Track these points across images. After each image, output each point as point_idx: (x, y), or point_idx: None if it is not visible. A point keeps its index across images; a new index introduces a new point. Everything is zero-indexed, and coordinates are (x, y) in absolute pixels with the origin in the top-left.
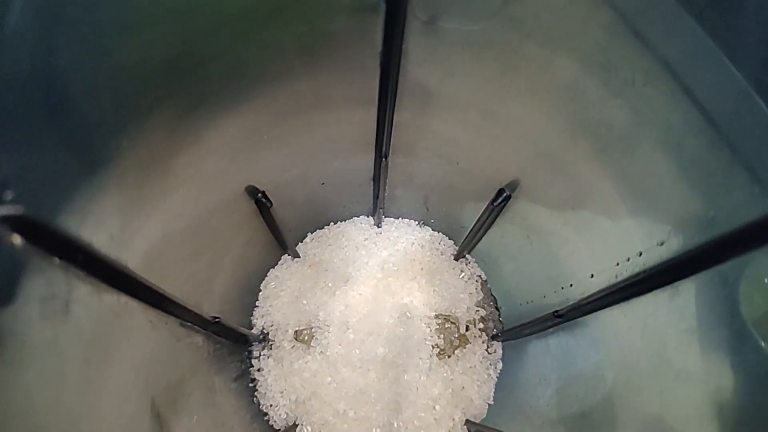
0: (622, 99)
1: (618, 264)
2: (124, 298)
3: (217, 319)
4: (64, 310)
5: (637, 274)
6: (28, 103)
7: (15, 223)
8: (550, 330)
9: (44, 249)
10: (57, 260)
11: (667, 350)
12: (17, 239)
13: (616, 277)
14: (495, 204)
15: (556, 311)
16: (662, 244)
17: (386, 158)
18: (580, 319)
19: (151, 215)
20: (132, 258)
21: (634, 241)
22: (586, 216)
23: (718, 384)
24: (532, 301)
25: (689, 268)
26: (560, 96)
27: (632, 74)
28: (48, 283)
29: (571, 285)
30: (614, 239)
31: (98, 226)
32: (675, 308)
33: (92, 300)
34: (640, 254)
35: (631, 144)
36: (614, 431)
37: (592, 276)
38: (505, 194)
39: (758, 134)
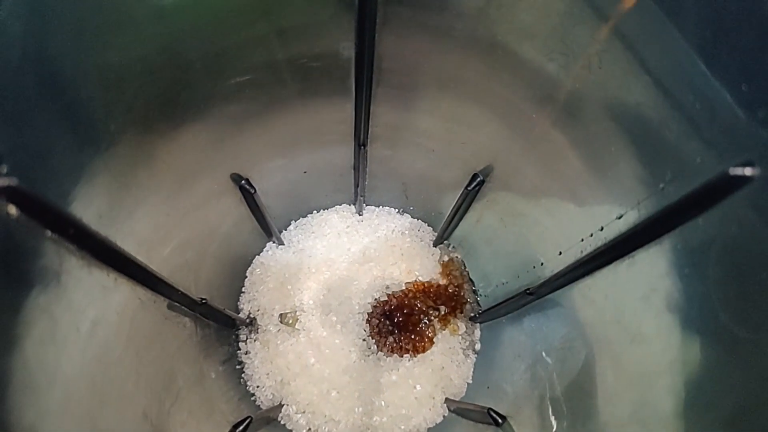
0: (582, 81)
1: (582, 240)
2: (113, 275)
3: (204, 300)
4: (56, 281)
5: (599, 248)
6: (20, 85)
7: (10, 194)
8: (524, 309)
9: (37, 221)
10: (49, 233)
11: (625, 316)
12: (13, 209)
13: (581, 252)
14: (470, 189)
15: (528, 289)
16: (620, 217)
17: (365, 147)
18: (550, 295)
19: (139, 198)
20: (120, 239)
21: (597, 217)
22: (554, 197)
23: (669, 342)
24: (507, 282)
25: (644, 237)
26: (527, 82)
27: (589, 57)
28: (40, 255)
29: (542, 264)
30: (579, 217)
31: (87, 204)
32: (632, 277)
33: (82, 273)
34: (602, 229)
35: (592, 123)
36: (582, 398)
37: (560, 253)
38: (478, 179)
39: (705, 104)
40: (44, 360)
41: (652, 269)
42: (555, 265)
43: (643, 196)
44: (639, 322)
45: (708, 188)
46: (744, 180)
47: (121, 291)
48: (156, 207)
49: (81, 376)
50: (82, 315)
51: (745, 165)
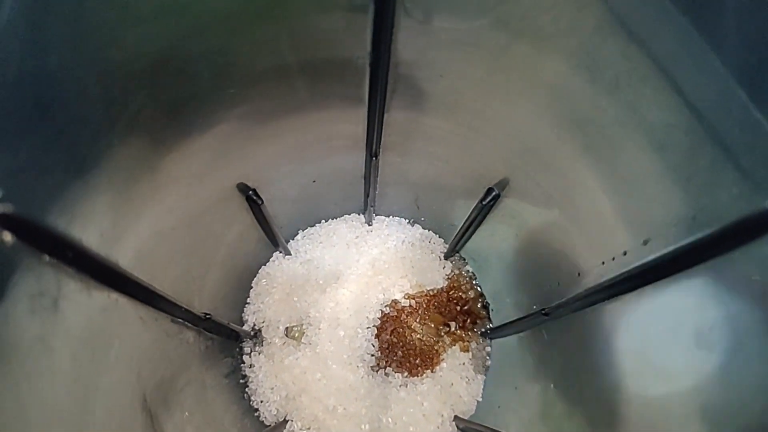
0: (607, 98)
1: (603, 263)
2: (114, 295)
3: (208, 316)
4: (53, 307)
5: (622, 274)
6: (18, 102)
7: (5, 221)
8: (537, 329)
9: (34, 246)
10: (47, 257)
11: (649, 349)
12: (8, 236)
13: (602, 276)
14: (484, 203)
15: (543, 309)
16: (647, 243)
17: (377, 157)
18: (566, 317)
19: (142, 213)
20: (123, 255)
21: (620, 241)
22: (573, 215)
23: (698, 383)
24: (520, 300)
25: (672, 267)
26: (547, 95)
27: (617, 74)
28: (37, 280)
29: (558, 284)
30: (600, 238)
31: (88, 224)
32: (657, 307)
33: (81, 297)
34: (625, 253)
35: (617, 143)
36: (597, 428)
37: (579, 275)
38: (494, 193)
39: (745, 132)
40: (39, 390)
41: (680, 301)
42: (573, 286)
43: (671, 224)
44: (664, 357)
45: (744, 222)
46: None
47: (121, 311)
48: (160, 219)
49: (78, 401)
50: (81, 340)
51: None
